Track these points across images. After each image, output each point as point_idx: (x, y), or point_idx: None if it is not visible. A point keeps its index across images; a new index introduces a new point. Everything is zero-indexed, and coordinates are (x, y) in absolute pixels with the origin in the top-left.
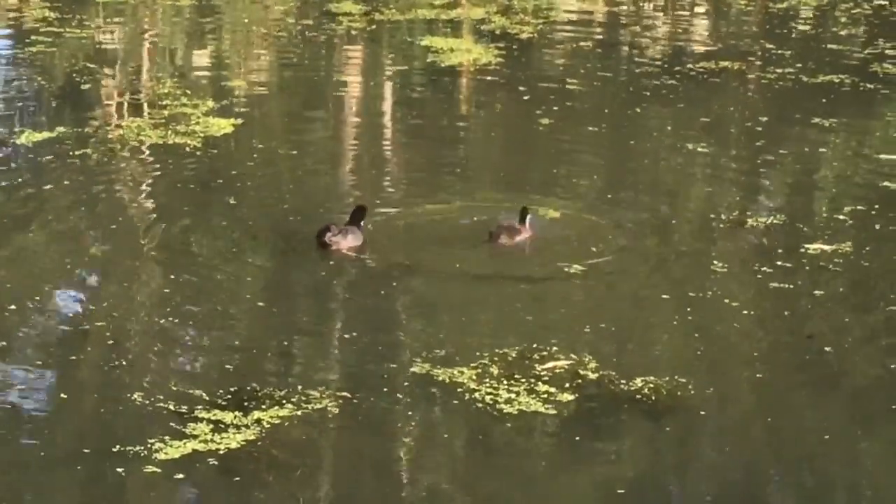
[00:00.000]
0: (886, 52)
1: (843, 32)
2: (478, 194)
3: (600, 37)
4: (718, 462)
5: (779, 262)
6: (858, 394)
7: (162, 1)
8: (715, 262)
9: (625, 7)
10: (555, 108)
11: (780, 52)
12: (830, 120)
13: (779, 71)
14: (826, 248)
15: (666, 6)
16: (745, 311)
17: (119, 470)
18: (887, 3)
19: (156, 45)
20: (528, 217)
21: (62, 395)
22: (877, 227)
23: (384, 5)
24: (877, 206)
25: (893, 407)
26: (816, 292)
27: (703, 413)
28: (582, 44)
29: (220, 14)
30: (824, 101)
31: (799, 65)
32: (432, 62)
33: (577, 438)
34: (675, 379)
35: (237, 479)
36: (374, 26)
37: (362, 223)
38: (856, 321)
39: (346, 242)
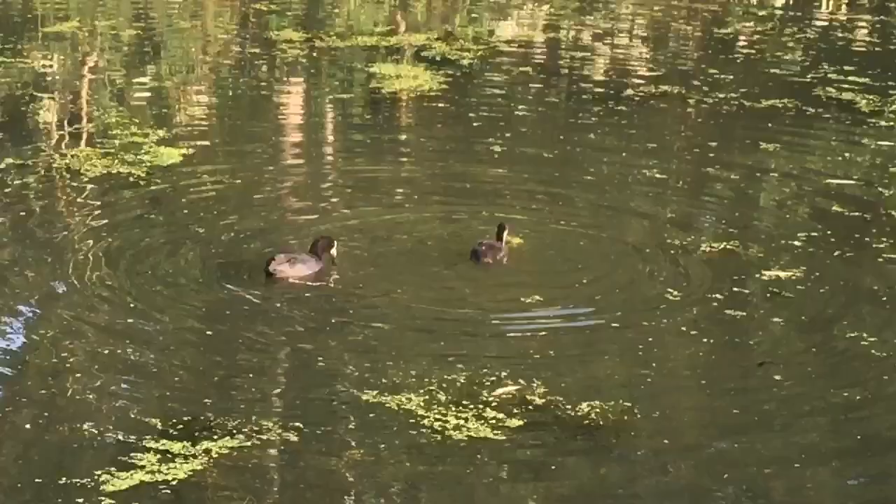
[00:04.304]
0: (829, 76)
1: (787, 56)
2: (430, 222)
3: (542, 63)
4: (662, 487)
5: (734, 289)
6: (806, 422)
7: (105, 31)
8: (669, 289)
9: (564, 33)
10: (507, 134)
11: (724, 76)
12: (776, 144)
13: (722, 96)
14: (780, 274)
15: (606, 32)
16: (698, 339)
17: (64, 503)
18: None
19: (99, 75)
20: (506, 232)
21: (6, 427)
22: (834, 252)
23: (325, 33)
24: (829, 232)
25: (840, 436)
26: (770, 319)
27: (647, 438)
28: (524, 69)
29: (162, 43)
30: (770, 125)
31: (743, 89)
32: (378, 88)
33: (525, 463)
34: (620, 404)
35: None
36: (315, 53)
37: (333, 252)
38: (807, 349)
39: (294, 271)
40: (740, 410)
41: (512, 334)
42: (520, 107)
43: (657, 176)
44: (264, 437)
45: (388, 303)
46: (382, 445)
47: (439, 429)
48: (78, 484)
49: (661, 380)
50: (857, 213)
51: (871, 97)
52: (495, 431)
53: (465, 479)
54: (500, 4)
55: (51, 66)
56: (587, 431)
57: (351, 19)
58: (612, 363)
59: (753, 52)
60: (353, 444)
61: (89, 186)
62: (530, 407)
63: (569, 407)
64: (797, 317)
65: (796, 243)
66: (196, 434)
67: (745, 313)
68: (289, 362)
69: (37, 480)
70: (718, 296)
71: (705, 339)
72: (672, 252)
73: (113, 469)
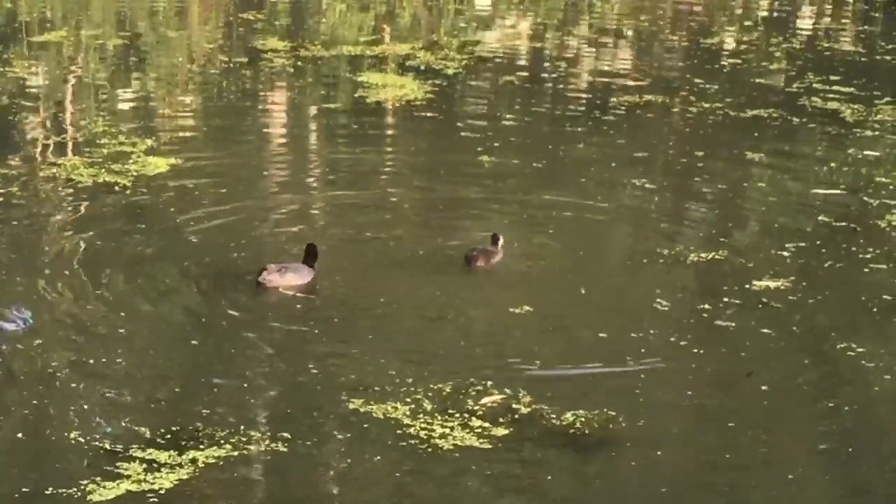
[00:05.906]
0: (814, 85)
1: (772, 66)
2: (418, 231)
3: (527, 73)
4: (646, 496)
5: (724, 299)
6: (794, 433)
7: (91, 41)
8: (657, 299)
9: (549, 42)
10: (494, 143)
11: (709, 86)
12: (761, 154)
13: (708, 105)
14: (770, 284)
15: (591, 41)
16: (686, 349)
17: None
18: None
19: (85, 84)
20: (500, 241)
21: None
22: (822, 262)
23: (310, 42)
24: (817, 242)
25: (829, 447)
26: (758, 329)
27: (632, 448)
28: (510, 79)
29: (148, 53)
30: (756, 134)
31: (729, 99)
32: (364, 98)
33: (510, 472)
34: (606, 413)
35: None
36: (300, 63)
37: (316, 264)
38: (796, 359)
39: (284, 281)
40: (727, 421)
41: (498, 343)
42: (506, 116)
43: (645, 185)
44: (251, 447)
45: (377, 313)
46: (369, 455)
47: (425, 438)
48: (64, 493)
49: (647, 389)
50: (843, 223)
51: (855, 107)
52: (481, 440)
53: (450, 488)
54: (484, 14)
55: (37, 76)
56: (572, 440)
57: (336, 29)
58: (599, 372)
59: (739, 61)
60: (340, 453)
61: (76, 196)
62: (516, 416)
63: (554, 416)
64: (786, 327)
65: (784, 253)
66: (183, 444)
67: (733, 323)
68: (276, 372)
69: (24, 490)
70: (707, 305)
71: (693, 349)
72: (660, 262)
73: (99, 478)
